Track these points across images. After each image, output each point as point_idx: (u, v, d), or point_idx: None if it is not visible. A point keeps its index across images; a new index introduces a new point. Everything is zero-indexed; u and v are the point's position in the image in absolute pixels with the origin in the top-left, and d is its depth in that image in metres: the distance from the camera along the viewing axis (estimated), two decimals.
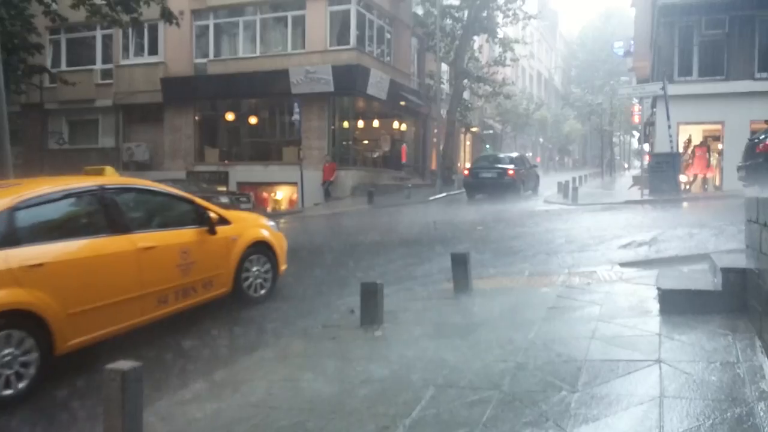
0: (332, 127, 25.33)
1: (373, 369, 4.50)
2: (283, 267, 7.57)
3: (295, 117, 22.79)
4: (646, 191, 17.37)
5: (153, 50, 26.96)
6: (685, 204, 13.86)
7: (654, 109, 21.83)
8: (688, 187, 18.48)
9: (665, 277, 5.55)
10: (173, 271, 6.09)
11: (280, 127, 27.00)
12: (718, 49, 19.02)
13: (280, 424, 3.73)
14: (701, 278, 5.35)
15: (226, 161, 26.40)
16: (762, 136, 12.34)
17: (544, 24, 53.92)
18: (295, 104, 22.78)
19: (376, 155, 28.18)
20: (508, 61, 32.74)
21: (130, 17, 14.64)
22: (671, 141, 17.39)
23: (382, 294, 5.64)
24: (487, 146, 44.39)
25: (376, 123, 28.71)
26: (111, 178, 6.50)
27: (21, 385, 4.60)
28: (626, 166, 65.56)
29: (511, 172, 21.31)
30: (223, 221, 6.86)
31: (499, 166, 21.72)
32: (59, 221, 5.64)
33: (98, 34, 27.48)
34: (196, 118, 27.02)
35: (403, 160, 29.36)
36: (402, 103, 27.69)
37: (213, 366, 4.99)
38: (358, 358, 4.82)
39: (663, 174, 16.88)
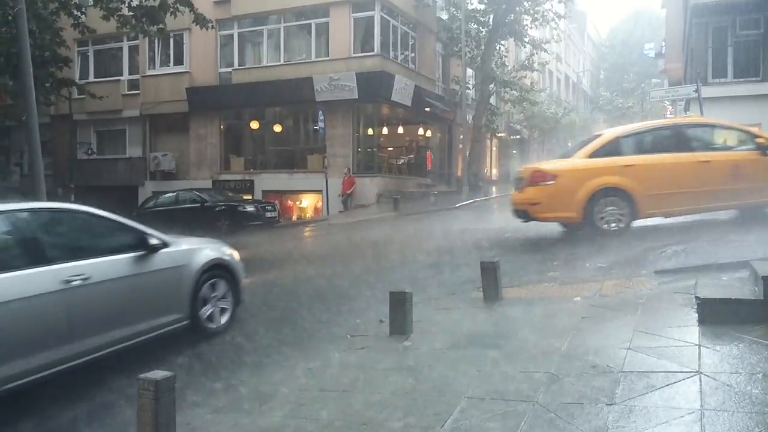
0: (356, 134, 25.35)
1: (403, 380, 4.45)
2: None
3: (320, 125, 22.86)
4: None
5: (178, 60, 27.30)
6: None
7: (687, 112, 21.44)
8: None
9: (704, 285, 5.39)
10: (725, 178, 8.99)
11: (305, 135, 27.11)
12: (753, 49, 18.62)
13: None
14: (741, 287, 5.20)
15: (251, 169, 26.59)
16: None
17: (572, 26, 53.33)
18: (320, 112, 22.85)
19: (401, 162, 28.14)
20: (535, 65, 32.43)
21: (157, 28, 14.81)
22: None
23: (411, 303, 5.58)
24: (514, 152, 44.04)
25: (400, 129, 28.67)
26: (687, 118, 10.94)
27: (619, 225, 8.95)
28: None
29: None
30: None
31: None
32: (647, 142, 9.58)
33: (125, 45, 27.96)
34: (221, 126, 27.26)
35: (429, 167, 29.26)
36: (427, 109, 27.59)
37: None
38: (388, 369, 4.77)
39: None
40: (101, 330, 5.10)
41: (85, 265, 5.03)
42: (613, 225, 8.93)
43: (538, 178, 9.33)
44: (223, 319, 6.46)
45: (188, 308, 6.01)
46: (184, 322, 5.97)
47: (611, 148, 9.33)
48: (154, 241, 5.76)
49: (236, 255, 6.99)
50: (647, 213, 9.07)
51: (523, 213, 9.75)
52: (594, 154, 9.28)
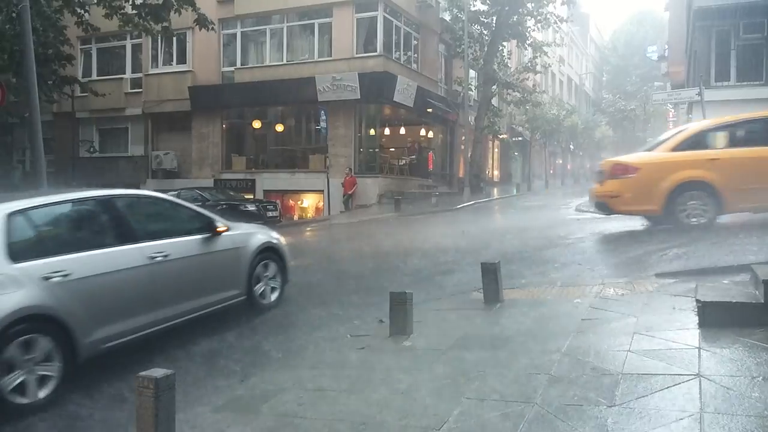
0: (358, 134, 25.37)
1: (402, 380, 4.44)
2: None
3: (322, 125, 22.87)
4: None
5: (181, 59, 27.33)
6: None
7: (690, 116, 21.41)
8: None
9: (704, 288, 5.38)
10: None
11: (307, 135, 27.13)
12: (756, 52, 18.52)
13: None
14: (742, 290, 5.19)
15: (252, 169, 26.60)
16: None
17: (574, 29, 53.32)
18: (322, 112, 22.87)
19: (402, 163, 28.16)
20: (538, 68, 32.40)
21: (161, 26, 14.81)
22: None
23: (411, 304, 5.57)
24: (516, 153, 44.00)
25: (402, 130, 28.70)
26: None
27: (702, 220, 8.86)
28: None
29: None
30: None
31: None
32: (735, 135, 9.23)
33: (128, 43, 27.98)
34: (224, 126, 27.29)
35: (430, 168, 29.27)
36: (429, 110, 27.61)
37: None
38: (388, 369, 4.77)
39: None
40: (178, 300, 5.88)
41: (164, 244, 5.82)
42: (695, 219, 8.86)
43: (619, 170, 9.38)
44: (274, 296, 7.17)
45: (245, 285, 6.73)
46: (242, 298, 6.68)
47: (696, 141, 9.28)
48: (219, 225, 6.52)
49: (283, 239, 7.67)
50: (734, 208, 8.98)
51: (603, 206, 9.84)
52: (677, 148, 9.26)
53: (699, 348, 4.26)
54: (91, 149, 27.95)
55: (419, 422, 3.65)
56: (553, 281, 7.21)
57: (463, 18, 27.32)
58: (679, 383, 3.72)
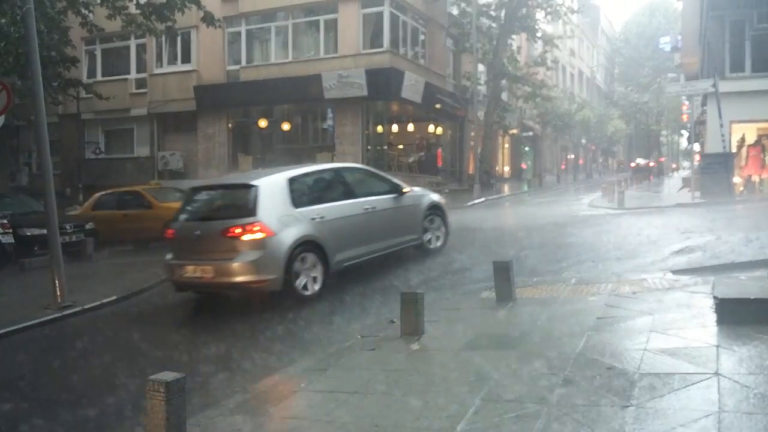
0: (366, 132, 25.21)
1: (414, 381, 4.40)
2: None
3: (329, 122, 22.75)
4: (697, 194, 16.83)
5: (186, 58, 27.21)
6: (739, 207, 13.33)
7: (704, 108, 21.17)
8: (742, 188, 17.85)
9: (722, 284, 5.30)
10: None
11: (314, 133, 27.03)
12: None
13: None
14: (761, 286, 5.10)
15: (259, 168, 26.51)
16: None
17: (585, 20, 52.82)
18: (329, 109, 22.75)
19: (411, 160, 28.00)
20: (548, 63, 32.14)
21: (165, 26, 14.75)
22: (723, 140, 16.74)
23: (423, 304, 5.51)
24: (526, 149, 43.74)
25: (410, 127, 28.54)
26: None
27: None
28: (674, 166, 64.01)
29: (652, 164, 48.11)
30: None
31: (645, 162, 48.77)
32: None
33: (132, 43, 27.83)
34: (229, 125, 27.17)
35: (439, 165, 29.12)
36: (437, 105, 27.43)
37: None
38: (400, 370, 4.73)
39: (715, 175, 16.31)
40: (381, 239, 8.52)
41: (372, 200, 8.51)
42: None
43: None
44: (438, 243, 9.52)
45: (420, 232, 9.19)
46: (417, 242, 9.15)
47: None
48: (405, 187, 9.09)
49: (443, 200, 9.99)
50: None
51: None
52: None
53: (717, 346, 4.20)
54: (97, 150, 27.85)
55: (432, 424, 3.60)
56: (567, 278, 7.15)
57: (471, 12, 27.13)
58: (697, 382, 3.66)
